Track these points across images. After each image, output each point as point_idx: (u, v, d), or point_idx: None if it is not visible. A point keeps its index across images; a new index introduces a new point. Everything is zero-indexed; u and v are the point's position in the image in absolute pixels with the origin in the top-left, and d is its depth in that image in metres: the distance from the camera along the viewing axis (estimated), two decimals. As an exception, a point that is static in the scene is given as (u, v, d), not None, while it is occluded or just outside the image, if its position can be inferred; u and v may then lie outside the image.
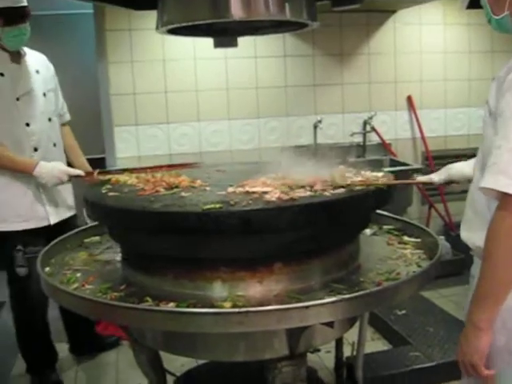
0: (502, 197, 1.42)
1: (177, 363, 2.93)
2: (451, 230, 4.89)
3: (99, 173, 2.37)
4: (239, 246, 1.79)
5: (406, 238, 2.42)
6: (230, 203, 1.77)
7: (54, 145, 3.03)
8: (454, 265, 4.51)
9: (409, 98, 4.84)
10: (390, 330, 3.44)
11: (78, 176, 2.65)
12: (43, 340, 3.15)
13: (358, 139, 4.70)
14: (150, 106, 4.22)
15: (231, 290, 1.83)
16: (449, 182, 2.20)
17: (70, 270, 2.19)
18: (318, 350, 3.23)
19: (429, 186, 4.81)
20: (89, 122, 4.65)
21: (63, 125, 3.22)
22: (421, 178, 2.38)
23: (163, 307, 1.73)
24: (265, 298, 1.79)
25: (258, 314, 1.61)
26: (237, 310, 1.63)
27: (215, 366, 2.73)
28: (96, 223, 2.51)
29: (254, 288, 1.84)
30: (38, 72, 2.96)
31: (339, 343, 2.83)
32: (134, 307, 1.73)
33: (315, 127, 4.51)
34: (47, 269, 2.20)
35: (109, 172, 2.40)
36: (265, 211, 1.70)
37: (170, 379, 2.65)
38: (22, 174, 2.79)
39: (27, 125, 2.86)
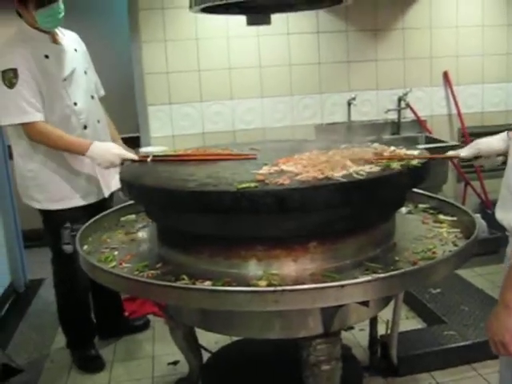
0: None
1: (211, 340, 2.98)
2: (487, 207, 4.81)
3: (153, 159, 2.37)
4: (274, 224, 1.79)
5: (441, 217, 2.40)
6: (265, 182, 1.78)
7: (98, 121, 3.05)
8: (491, 243, 4.43)
9: (445, 74, 4.74)
10: (424, 309, 3.41)
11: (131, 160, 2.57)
12: (84, 316, 3.22)
13: (393, 116, 4.63)
14: (184, 85, 4.22)
15: (266, 268, 1.84)
16: (477, 157, 2.17)
17: (107, 249, 2.24)
18: (352, 328, 3.25)
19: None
20: (123, 101, 4.67)
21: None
22: (448, 153, 2.35)
23: (200, 285, 1.75)
24: (299, 276, 1.80)
25: (293, 293, 1.62)
26: (273, 288, 1.64)
27: (249, 343, 2.76)
28: (132, 202, 2.55)
29: (289, 267, 1.85)
30: (76, 50, 2.98)
31: (373, 322, 2.84)
32: (172, 285, 1.76)
33: (349, 104, 4.46)
34: (85, 247, 2.25)
35: (162, 158, 2.38)
36: (300, 190, 1.70)
37: (205, 355, 2.70)
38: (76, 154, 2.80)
39: (75, 104, 2.88)
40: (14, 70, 2.66)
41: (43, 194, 2.93)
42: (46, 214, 2.98)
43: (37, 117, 2.72)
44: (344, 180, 1.76)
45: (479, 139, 2.17)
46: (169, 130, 4.19)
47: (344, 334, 3.08)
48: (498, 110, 4.89)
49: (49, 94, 2.78)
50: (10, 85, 2.66)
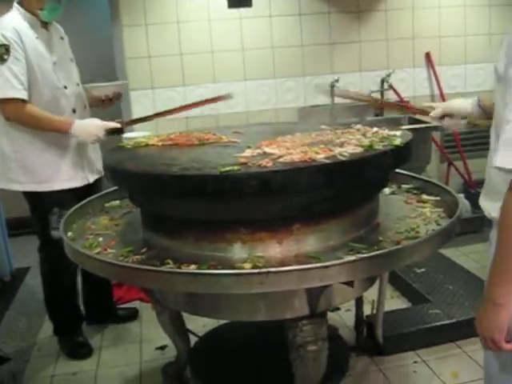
0: None
1: (199, 324, 2.99)
2: (471, 187, 4.85)
3: (127, 123, 2.38)
4: (258, 207, 1.79)
5: (424, 197, 2.41)
6: (248, 165, 1.77)
7: (85, 107, 3.09)
8: (474, 222, 4.48)
9: (427, 55, 4.76)
10: (409, 288, 3.45)
11: (115, 130, 2.66)
12: (71, 303, 3.22)
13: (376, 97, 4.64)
14: (166, 69, 4.20)
15: (251, 251, 1.85)
16: (446, 115, 2.22)
17: (92, 235, 2.23)
18: (338, 309, 3.28)
19: (448, 143, 4.79)
20: (105, 87, 4.63)
21: None
22: (424, 104, 2.39)
23: (185, 269, 1.75)
24: (284, 258, 1.81)
25: (278, 275, 1.62)
26: (257, 270, 1.65)
27: (236, 326, 2.78)
28: (116, 188, 2.54)
29: (274, 249, 1.85)
30: (62, 39, 3.03)
31: (359, 302, 2.86)
32: (157, 270, 1.76)
33: (332, 86, 4.46)
34: (70, 234, 2.23)
35: (137, 120, 2.53)
36: (283, 172, 1.70)
37: (192, 339, 2.71)
38: (60, 133, 2.81)
39: (65, 87, 2.91)
40: (6, 47, 2.68)
41: (28, 176, 2.90)
42: (33, 199, 2.95)
43: (23, 94, 2.72)
44: (327, 161, 1.77)
45: (452, 100, 2.25)
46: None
47: (330, 315, 3.11)
48: (480, 90, 4.91)
49: (40, 74, 2.79)
50: (1, 60, 2.67)
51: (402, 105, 2.15)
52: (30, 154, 2.87)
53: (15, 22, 2.76)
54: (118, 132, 2.77)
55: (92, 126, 2.71)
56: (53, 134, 2.83)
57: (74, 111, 2.95)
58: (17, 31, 2.72)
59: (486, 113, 2.06)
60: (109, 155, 2.24)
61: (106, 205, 2.59)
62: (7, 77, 2.68)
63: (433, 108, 2.27)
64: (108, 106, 3.19)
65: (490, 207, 1.63)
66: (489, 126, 1.72)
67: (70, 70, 3.00)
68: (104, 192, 2.62)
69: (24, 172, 2.89)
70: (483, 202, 1.72)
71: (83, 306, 3.40)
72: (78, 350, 3.15)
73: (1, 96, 2.71)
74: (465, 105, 2.16)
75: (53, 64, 2.86)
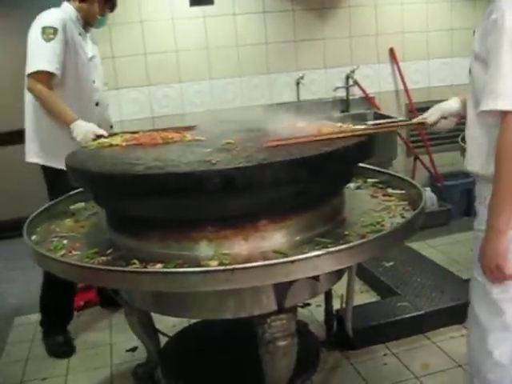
0: (503, 116, 1.65)
1: (169, 324, 2.97)
2: (437, 181, 4.92)
3: (110, 134, 2.68)
4: (222, 204, 1.79)
5: (390, 191, 2.44)
6: (211, 162, 1.77)
7: (107, 105, 3.35)
8: (440, 215, 4.56)
9: (391, 50, 4.81)
10: (378, 282, 3.48)
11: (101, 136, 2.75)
12: (68, 300, 3.25)
13: (342, 94, 4.68)
14: (130, 69, 4.17)
15: (217, 248, 1.84)
16: (440, 119, 2.24)
17: (56, 238, 2.20)
18: (309, 305, 3.29)
19: (413, 137, 4.85)
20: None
21: None
22: (414, 120, 2.41)
23: (151, 268, 1.74)
24: (251, 255, 1.81)
25: (244, 271, 1.62)
26: (223, 267, 1.64)
27: (207, 324, 2.77)
28: (80, 189, 2.51)
29: (240, 246, 1.85)
30: (95, 43, 3.30)
31: (328, 296, 2.88)
32: (122, 270, 1.74)
33: (298, 83, 4.49)
34: (34, 237, 2.20)
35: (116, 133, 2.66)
36: (246, 169, 1.70)
37: (163, 340, 2.70)
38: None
39: (93, 82, 3.16)
40: (55, 29, 2.90)
41: (48, 152, 3.05)
42: (52, 177, 3.05)
43: (55, 70, 2.89)
44: (290, 157, 1.77)
45: (438, 104, 2.27)
46: (117, 115, 4.12)
47: (301, 311, 3.11)
48: (444, 85, 4.99)
49: (77, 64, 3.02)
50: (48, 39, 2.88)
51: (397, 124, 2.29)
52: (53, 132, 3.00)
53: (64, 14, 3.00)
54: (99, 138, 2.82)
55: (89, 130, 2.81)
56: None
57: (97, 104, 3.18)
58: (64, 21, 2.95)
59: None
60: (72, 156, 2.21)
61: (71, 207, 2.56)
62: (48, 53, 2.88)
63: (425, 119, 2.29)
64: None
65: (480, 164, 1.84)
66: None
67: (98, 69, 3.26)
68: (68, 194, 2.58)
69: (44, 148, 3.05)
70: (471, 167, 1.90)
71: (97, 291, 3.53)
72: (61, 347, 3.16)
73: (35, 69, 2.88)
74: (452, 106, 2.21)
75: (88, 59, 3.12)
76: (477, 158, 1.87)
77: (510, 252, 1.73)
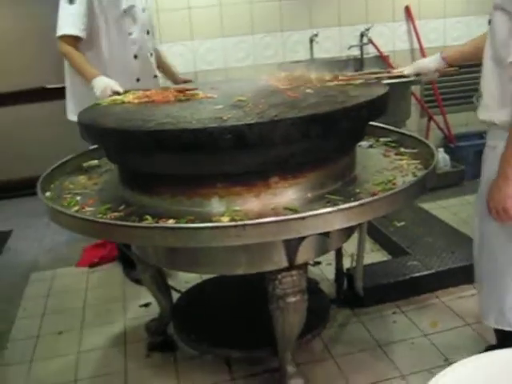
0: None
1: (181, 280, 3.02)
2: (450, 141, 4.89)
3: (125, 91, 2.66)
4: (234, 161, 1.80)
5: (402, 150, 2.43)
6: (222, 118, 1.77)
7: (151, 54, 3.31)
8: (453, 176, 4.54)
9: (406, 8, 4.72)
10: (389, 241, 3.49)
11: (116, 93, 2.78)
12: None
13: (356, 52, 4.62)
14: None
15: (228, 205, 1.86)
16: (417, 74, 2.44)
17: (69, 194, 2.23)
18: (319, 263, 3.32)
19: (427, 97, 4.80)
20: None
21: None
22: (394, 71, 2.59)
23: (163, 224, 1.76)
24: (262, 211, 1.82)
25: (255, 227, 1.64)
26: (234, 223, 1.66)
27: (218, 281, 2.81)
28: (95, 146, 2.53)
29: (251, 202, 1.86)
30: None
31: (339, 255, 2.90)
32: (135, 225, 1.76)
33: (311, 41, 4.43)
34: (48, 193, 2.23)
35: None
36: (258, 125, 1.70)
37: (175, 296, 2.75)
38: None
39: (130, 34, 3.14)
40: None
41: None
42: None
43: (79, 33, 2.94)
44: (302, 114, 1.77)
45: (417, 61, 2.51)
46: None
47: (311, 269, 3.16)
48: (459, 44, 4.88)
49: (108, 19, 3.04)
50: (71, 2, 2.93)
51: (377, 74, 2.45)
52: (85, 90, 3.01)
53: None
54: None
55: (107, 86, 2.81)
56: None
57: (135, 57, 3.17)
58: None
59: (449, 64, 2.37)
60: (84, 113, 2.22)
61: (84, 164, 2.58)
62: (72, 16, 2.93)
63: (402, 71, 2.48)
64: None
65: (495, 114, 1.92)
66: (454, 73, 2.41)
67: (139, 18, 3.19)
68: (81, 152, 2.60)
69: (79, 106, 2.97)
70: (486, 114, 1.97)
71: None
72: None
73: (61, 33, 2.96)
74: (428, 62, 2.40)
75: (122, 11, 3.08)
76: (490, 108, 1.95)
77: None
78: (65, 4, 2.93)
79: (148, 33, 3.26)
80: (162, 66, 3.52)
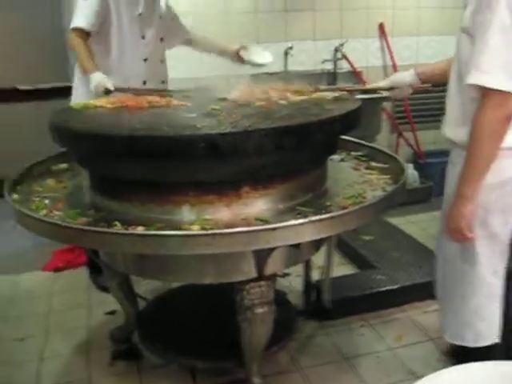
0: (484, 92, 1.73)
1: (148, 288, 2.99)
2: (420, 158, 4.95)
3: (116, 88, 2.77)
4: (206, 169, 1.79)
5: (373, 164, 2.46)
6: (196, 127, 1.77)
7: (162, 61, 3.34)
8: (422, 192, 4.60)
9: (381, 25, 4.78)
10: (357, 255, 3.51)
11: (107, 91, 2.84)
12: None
13: (329, 67, 4.65)
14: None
15: (199, 213, 1.85)
16: (392, 88, 2.44)
17: (38, 197, 2.19)
18: (288, 275, 3.33)
19: (399, 114, 4.86)
20: (52, 48, 4.54)
21: (186, 43, 3.54)
22: (368, 86, 2.69)
23: (132, 230, 1.74)
24: (232, 221, 1.82)
25: (225, 236, 1.64)
26: (204, 232, 1.66)
27: (186, 290, 2.79)
28: (64, 150, 2.49)
29: (222, 212, 1.86)
30: None
31: (308, 267, 2.91)
32: (104, 231, 1.75)
33: (286, 54, 4.45)
34: (15, 196, 2.19)
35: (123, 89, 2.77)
36: (231, 135, 1.70)
37: (142, 304, 2.72)
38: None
39: (143, 37, 3.17)
40: None
41: None
42: None
43: (86, 26, 2.97)
44: (275, 125, 1.77)
45: (393, 74, 2.54)
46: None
47: (280, 281, 3.16)
48: (432, 62, 4.97)
49: (123, 19, 3.07)
50: None
51: (351, 88, 2.50)
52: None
53: None
54: (107, 93, 2.87)
55: (101, 82, 2.85)
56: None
57: (145, 60, 3.18)
58: None
59: (422, 80, 2.38)
60: (56, 115, 2.19)
61: (54, 167, 2.54)
62: (86, 10, 2.98)
63: (378, 85, 2.53)
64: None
65: (455, 132, 1.97)
66: (427, 89, 2.41)
67: (154, 23, 3.21)
68: (51, 155, 2.56)
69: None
70: (448, 131, 2.03)
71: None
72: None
73: (72, 25, 2.99)
74: (404, 76, 2.40)
75: (138, 15, 3.10)
76: (452, 125, 2.00)
77: (472, 217, 1.90)
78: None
79: (162, 40, 3.29)
80: (209, 46, 3.57)
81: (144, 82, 3.17)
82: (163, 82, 3.34)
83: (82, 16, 2.98)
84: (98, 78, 2.87)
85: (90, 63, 2.98)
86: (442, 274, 2.20)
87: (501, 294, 2.07)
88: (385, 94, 2.72)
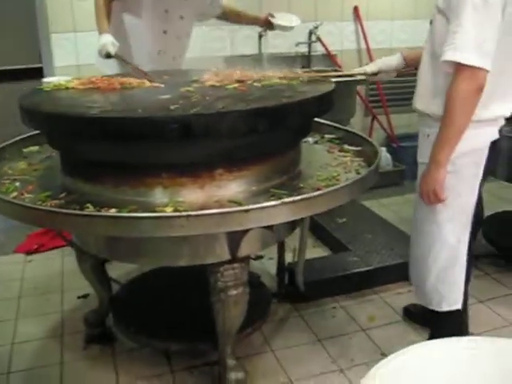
0: (458, 68, 1.88)
1: (121, 272, 2.98)
2: (393, 141, 4.99)
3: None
4: (180, 151, 1.78)
5: (346, 147, 2.47)
6: (169, 108, 1.75)
7: (174, 58, 3.29)
8: (395, 175, 4.64)
9: (355, 9, 4.78)
10: (330, 238, 3.54)
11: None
12: None
13: (304, 49, 4.65)
14: (89, 11, 4.00)
15: (172, 196, 1.84)
16: (378, 73, 2.51)
17: (8, 180, 2.16)
18: (261, 257, 3.34)
19: (372, 97, 4.89)
20: (23, 29, 4.43)
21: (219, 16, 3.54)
22: (355, 70, 2.73)
23: (104, 212, 1.73)
24: (206, 203, 1.82)
25: (198, 218, 1.63)
26: (178, 213, 1.65)
27: (160, 273, 2.78)
28: (35, 132, 2.46)
29: (196, 194, 1.86)
30: None
31: (281, 250, 2.92)
32: (75, 213, 1.73)
33: (260, 37, 4.41)
34: (-16, 178, 2.15)
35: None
36: (205, 116, 1.69)
37: (115, 288, 2.71)
38: None
39: (164, 32, 3.14)
40: None
41: None
42: None
43: None
44: (249, 107, 1.77)
45: (381, 58, 2.55)
46: (73, 59, 4.02)
47: (253, 263, 3.17)
48: (405, 46, 4.96)
49: (155, 10, 3.05)
50: None
51: (340, 73, 2.53)
52: None
53: None
54: (108, 56, 2.87)
55: (106, 44, 2.84)
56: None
57: (164, 32, 3.14)
58: None
59: (407, 64, 2.49)
60: (26, 97, 2.15)
61: (25, 150, 2.51)
62: None
63: (365, 70, 2.55)
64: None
65: (427, 105, 2.13)
66: (410, 72, 2.51)
67: (175, 22, 3.17)
68: (21, 136, 2.52)
69: None
70: (420, 104, 2.18)
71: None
72: None
73: None
74: (391, 62, 2.49)
75: (164, 11, 3.07)
76: (424, 98, 2.15)
77: (445, 181, 2.07)
78: None
79: (181, 18, 3.25)
80: (241, 18, 3.62)
81: (158, 52, 3.19)
82: (174, 59, 3.34)
83: None
84: (104, 40, 2.87)
85: (102, 24, 2.97)
86: (412, 240, 2.38)
87: (464, 263, 2.25)
88: (359, 77, 2.76)
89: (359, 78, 3.10)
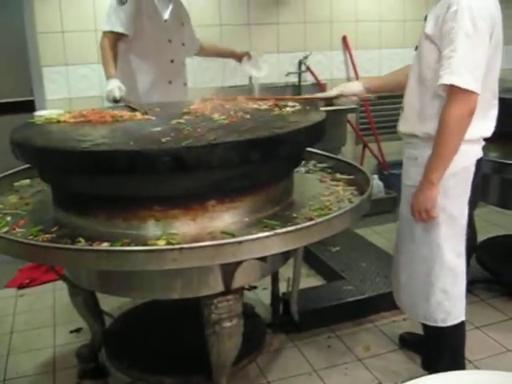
0: (452, 91, 1.98)
1: (114, 305, 2.95)
2: (384, 169, 5.01)
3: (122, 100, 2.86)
4: (172, 184, 1.78)
5: (338, 176, 2.47)
6: (161, 141, 1.75)
7: (182, 63, 3.51)
8: (387, 203, 4.65)
9: (344, 38, 4.84)
10: (324, 267, 3.52)
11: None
12: None
13: (294, 79, 4.69)
14: (80, 45, 4.06)
15: (165, 228, 1.84)
16: (340, 96, 2.58)
17: (-1, 214, 2.14)
18: (255, 288, 3.32)
19: (363, 125, 4.91)
20: (15, 62, 4.46)
21: (198, 51, 3.72)
22: (319, 94, 2.96)
23: (96, 246, 1.72)
24: (199, 235, 1.81)
25: (191, 251, 1.62)
26: (170, 246, 1.64)
27: (153, 306, 2.76)
28: (27, 166, 2.45)
29: (188, 226, 1.85)
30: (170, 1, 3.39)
31: (275, 280, 2.90)
32: (67, 247, 1.72)
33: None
34: (-25, 213, 2.14)
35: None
36: (196, 148, 1.69)
37: (108, 321, 2.68)
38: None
39: (169, 41, 3.34)
40: None
41: None
42: None
43: (123, 30, 3.13)
44: (240, 138, 1.77)
45: (342, 84, 2.67)
46: (65, 92, 4.05)
47: (247, 294, 3.15)
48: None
49: (155, 24, 3.24)
50: (122, 3, 3.12)
51: (305, 97, 2.66)
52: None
53: None
54: (115, 101, 2.94)
55: (113, 90, 2.92)
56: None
57: (172, 61, 3.36)
58: None
59: (371, 91, 2.60)
60: (17, 131, 2.15)
61: (16, 184, 2.50)
62: (120, 15, 3.11)
63: (329, 95, 2.67)
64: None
65: (417, 127, 2.20)
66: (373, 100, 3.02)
67: (177, 30, 3.40)
68: (12, 171, 2.52)
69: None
70: (408, 127, 2.26)
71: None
72: None
73: (104, 29, 3.17)
74: (352, 87, 2.59)
75: (164, 21, 3.29)
76: (411, 120, 2.23)
77: (436, 200, 2.14)
78: (115, 4, 3.12)
79: (183, 44, 3.47)
80: (218, 52, 3.85)
81: (170, 82, 3.36)
82: (185, 85, 3.53)
83: (117, 20, 3.12)
84: (112, 86, 2.94)
85: (110, 68, 3.08)
86: (404, 260, 2.39)
87: (464, 275, 2.32)
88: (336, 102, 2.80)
89: (350, 107, 3.18)
